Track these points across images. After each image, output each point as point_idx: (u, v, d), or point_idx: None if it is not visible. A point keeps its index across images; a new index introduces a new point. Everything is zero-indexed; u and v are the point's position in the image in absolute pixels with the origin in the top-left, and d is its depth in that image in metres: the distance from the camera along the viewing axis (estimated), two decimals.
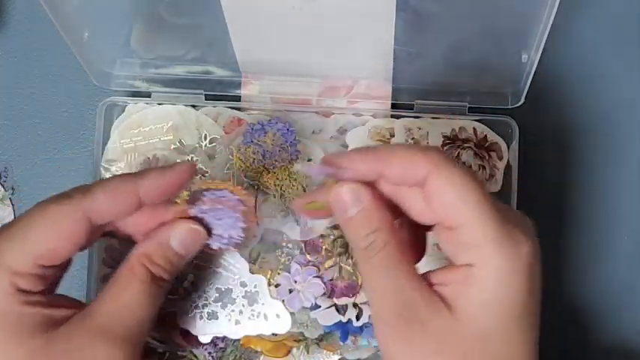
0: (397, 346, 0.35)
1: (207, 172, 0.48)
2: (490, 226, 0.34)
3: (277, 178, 0.43)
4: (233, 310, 0.47)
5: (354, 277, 0.47)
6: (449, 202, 0.34)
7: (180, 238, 0.40)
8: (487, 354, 0.34)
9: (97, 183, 0.39)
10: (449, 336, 0.34)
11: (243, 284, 0.47)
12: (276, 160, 0.47)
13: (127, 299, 0.38)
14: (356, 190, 0.36)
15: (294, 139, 0.47)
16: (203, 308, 0.47)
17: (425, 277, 0.36)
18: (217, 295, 0.47)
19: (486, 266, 0.34)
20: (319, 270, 0.47)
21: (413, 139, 0.48)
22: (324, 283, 0.47)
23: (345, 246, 0.47)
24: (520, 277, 0.34)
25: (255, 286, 0.47)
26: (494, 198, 0.35)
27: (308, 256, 0.47)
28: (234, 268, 0.47)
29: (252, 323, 0.47)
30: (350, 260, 0.47)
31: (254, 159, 0.44)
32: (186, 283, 0.47)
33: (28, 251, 0.37)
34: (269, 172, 0.43)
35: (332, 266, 0.47)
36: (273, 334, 0.47)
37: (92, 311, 0.38)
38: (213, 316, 0.47)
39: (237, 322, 0.47)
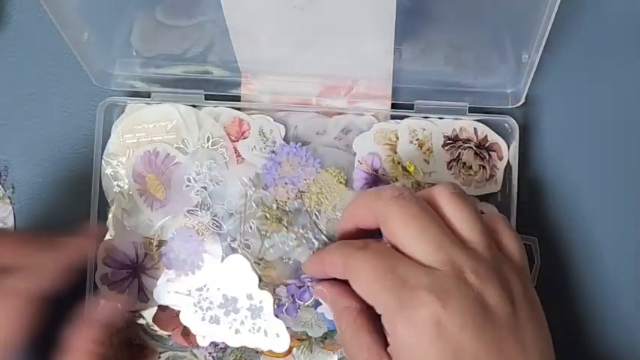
0: None
1: (222, 180, 0.48)
2: (387, 298, 0.36)
3: (320, 189, 0.44)
4: (235, 319, 0.46)
5: None
6: (358, 290, 0.38)
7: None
8: None
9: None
10: None
11: (249, 297, 0.47)
12: (305, 179, 0.47)
13: None
14: (320, 291, 0.42)
15: (307, 151, 0.48)
16: (207, 311, 0.47)
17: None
18: (223, 301, 0.47)
19: (393, 334, 0.36)
20: None
21: (417, 139, 0.48)
22: None
23: None
24: (423, 340, 0.35)
25: (260, 302, 0.46)
26: (409, 265, 0.37)
27: None
28: (242, 279, 0.47)
29: (251, 336, 0.46)
30: None
31: (287, 190, 0.45)
32: (193, 282, 0.47)
33: None
34: (307, 192, 0.45)
35: None
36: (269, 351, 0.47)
37: None
38: (215, 320, 0.47)
39: (237, 332, 0.46)
